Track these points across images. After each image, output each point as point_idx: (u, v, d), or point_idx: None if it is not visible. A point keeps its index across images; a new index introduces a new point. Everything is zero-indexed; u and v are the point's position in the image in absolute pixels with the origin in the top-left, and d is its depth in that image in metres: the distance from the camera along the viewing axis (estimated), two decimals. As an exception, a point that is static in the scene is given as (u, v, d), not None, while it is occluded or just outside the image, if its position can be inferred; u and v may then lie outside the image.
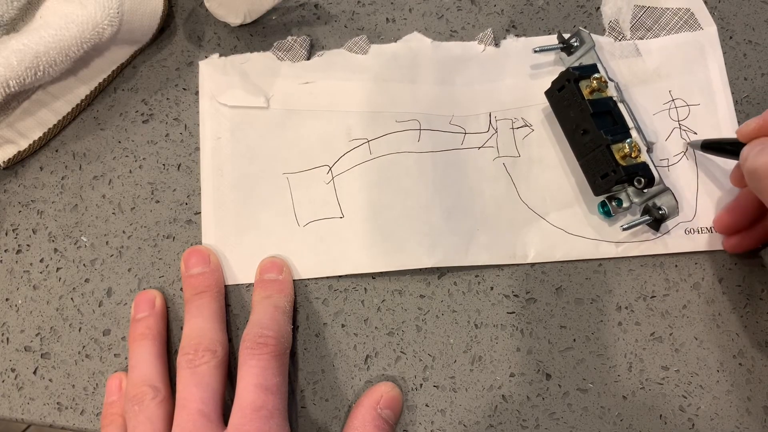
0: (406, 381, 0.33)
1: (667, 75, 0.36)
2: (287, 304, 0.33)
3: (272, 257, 0.34)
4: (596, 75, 0.33)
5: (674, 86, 0.36)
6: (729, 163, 0.35)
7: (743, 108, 0.36)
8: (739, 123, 0.35)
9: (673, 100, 0.36)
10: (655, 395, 0.32)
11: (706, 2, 0.37)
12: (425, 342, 0.33)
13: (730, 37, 0.37)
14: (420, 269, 0.34)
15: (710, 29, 0.37)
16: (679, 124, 0.36)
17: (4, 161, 0.36)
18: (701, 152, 0.34)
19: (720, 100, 0.36)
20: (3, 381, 0.34)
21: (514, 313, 0.34)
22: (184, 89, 0.37)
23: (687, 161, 0.35)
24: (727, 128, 0.35)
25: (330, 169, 0.36)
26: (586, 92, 0.33)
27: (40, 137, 0.36)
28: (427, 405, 0.33)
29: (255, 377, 0.30)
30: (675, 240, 0.34)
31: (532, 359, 0.33)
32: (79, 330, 0.34)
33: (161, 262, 0.35)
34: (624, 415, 0.32)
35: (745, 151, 0.30)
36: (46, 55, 0.32)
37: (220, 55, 0.37)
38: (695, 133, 0.35)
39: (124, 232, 0.36)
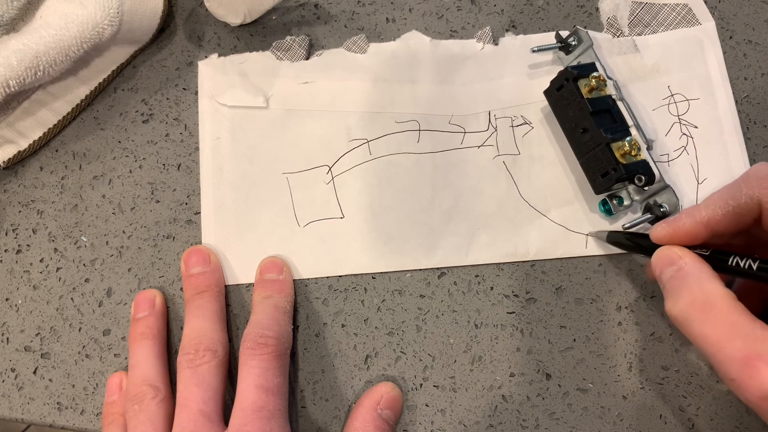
0: (406, 381, 0.33)
1: (666, 71, 0.36)
2: (287, 304, 0.33)
3: (272, 257, 0.34)
4: (595, 74, 0.33)
5: (673, 82, 0.36)
6: (731, 157, 0.35)
7: (743, 108, 0.36)
8: (741, 120, 0.35)
9: (672, 95, 0.36)
10: (655, 395, 0.32)
11: (705, 1, 0.37)
12: (425, 342, 0.33)
13: (730, 37, 0.37)
14: (420, 269, 0.34)
15: (708, 24, 0.37)
16: (679, 119, 0.36)
17: (4, 161, 0.36)
18: (608, 244, 0.33)
19: (720, 94, 0.36)
20: (3, 381, 0.34)
21: (514, 313, 0.34)
22: (184, 89, 0.37)
23: (687, 156, 0.35)
24: (728, 122, 0.35)
25: (330, 169, 0.36)
26: (584, 91, 0.33)
27: (40, 137, 0.36)
28: (427, 405, 0.33)
29: (256, 378, 0.30)
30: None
31: (532, 359, 0.33)
32: (79, 330, 0.34)
33: (161, 262, 0.35)
34: (624, 415, 0.32)
35: (658, 265, 0.27)
36: (46, 55, 0.32)
37: (220, 55, 0.37)
38: (696, 127, 0.35)
39: (124, 232, 0.36)
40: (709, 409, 0.32)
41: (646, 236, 0.29)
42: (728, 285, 0.28)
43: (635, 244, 0.31)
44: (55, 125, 0.36)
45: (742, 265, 0.26)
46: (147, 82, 0.38)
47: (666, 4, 0.37)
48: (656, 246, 0.28)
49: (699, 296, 0.25)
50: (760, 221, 0.26)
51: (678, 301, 0.25)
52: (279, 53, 0.37)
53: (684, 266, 0.26)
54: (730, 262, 0.26)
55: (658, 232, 0.28)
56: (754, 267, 0.25)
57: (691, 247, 0.27)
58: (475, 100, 0.36)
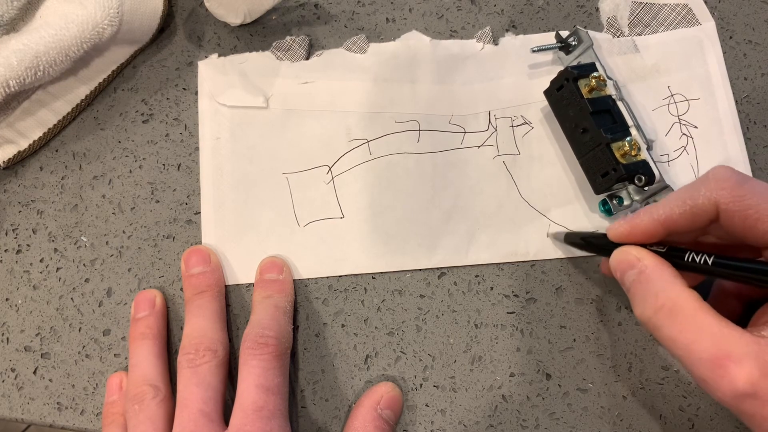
0: (406, 381, 0.33)
1: (666, 71, 0.36)
2: (288, 304, 0.33)
3: (272, 257, 0.34)
4: (595, 74, 0.33)
5: (673, 82, 0.36)
6: (731, 157, 0.35)
7: (743, 108, 0.36)
8: (741, 120, 0.35)
9: (672, 95, 0.36)
10: (655, 395, 0.32)
11: (705, 1, 0.37)
12: (425, 342, 0.33)
13: (730, 37, 0.37)
14: (420, 269, 0.34)
15: (708, 24, 0.37)
16: (679, 119, 0.36)
17: (4, 161, 0.36)
18: (567, 245, 0.33)
19: (720, 94, 0.36)
20: (3, 381, 0.34)
21: (514, 313, 0.34)
22: (184, 89, 0.37)
23: (687, 156, 0.35)
24: (728, 122, 0.35)
25: (330, 169, 0.36)
26: (584, 91, 0.33)
27: (40, 137, 0.36)
28: (427, 405, 0.33)
29: (256, 377, 0.30)
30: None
31: (532, 359, 0.33)
32: (79, 330, 0.34)
33: (161, 262, 0.35)
34: (624, 415, 0.32)
35: (618, 268, 0.27)
36: (46, 55, 0.32)
37: (220, 55, 0.37)
38: (696, 127, 0.35)
39: (124, 232, 0.36)
40: (709, 409, 0.32)
41: (604, 236, 0.29)
42: (705, 290, 0.28)
43: (592, 245, 0.31)
44: (55, 125, 0.36)
45: (698, 260, 0.26)
46: (147, 82, 0.38)
47: (666, 4, 0.37)
48: (613, 245, 0.28)
49: (664, 301, 0.25)
50: (717, 222, 0.26)
51: (645, 307, 0.25)
52: (279, 53, 0.37)
53: (645, 269, 0.26)
54: (686, 258, 0.26)
55: (615, 229, 0.28)
56: (710, 262, 0.25)
57: (648, 245, 0.27)
58: (475, 100, 0.36)
